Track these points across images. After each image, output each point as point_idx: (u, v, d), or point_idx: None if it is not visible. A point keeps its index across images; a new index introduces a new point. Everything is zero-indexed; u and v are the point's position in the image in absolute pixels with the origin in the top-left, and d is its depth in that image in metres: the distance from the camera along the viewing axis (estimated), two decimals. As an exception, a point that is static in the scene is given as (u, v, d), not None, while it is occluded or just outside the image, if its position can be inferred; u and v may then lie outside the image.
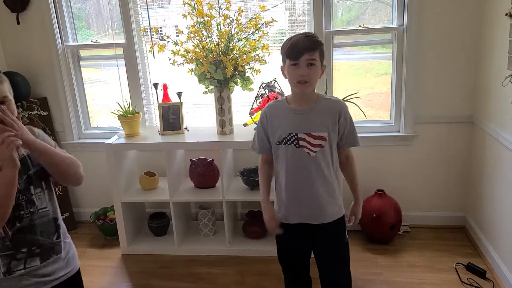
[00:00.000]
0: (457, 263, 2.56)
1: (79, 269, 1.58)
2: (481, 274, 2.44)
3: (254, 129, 2.62)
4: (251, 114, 2.71)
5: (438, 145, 2.90)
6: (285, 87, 2.74)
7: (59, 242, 1.47)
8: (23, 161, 1.35)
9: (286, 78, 1.67)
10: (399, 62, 2.81)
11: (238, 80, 2.63)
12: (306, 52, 1.57)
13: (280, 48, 1.68)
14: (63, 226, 1.52)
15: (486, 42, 2.57)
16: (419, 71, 2.77)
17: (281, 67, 1.69)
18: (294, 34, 1.65)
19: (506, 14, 2.20)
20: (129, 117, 2.79)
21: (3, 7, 2.97)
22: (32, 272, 1.40)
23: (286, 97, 1.75)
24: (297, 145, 1.66)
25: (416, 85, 2.79)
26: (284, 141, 1.68)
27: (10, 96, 1.37)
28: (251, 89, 2.66)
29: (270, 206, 1.79)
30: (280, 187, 1.77)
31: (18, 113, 1.37)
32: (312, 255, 1.85)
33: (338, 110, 1.67)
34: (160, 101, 2.83)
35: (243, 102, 2.95)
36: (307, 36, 1.61)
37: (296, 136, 1.66)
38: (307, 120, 1.66)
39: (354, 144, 1.75)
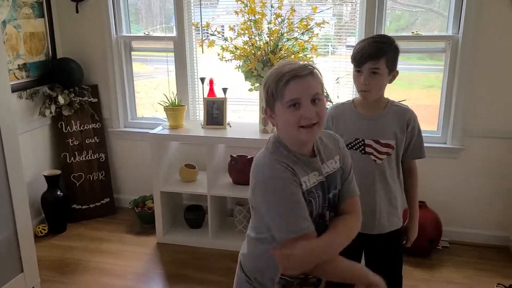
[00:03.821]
0: (498, 283, 2.45)
1: None
2: (524, 298, 2.33)
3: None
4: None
5: (486, 160, 2.78)
6: (331, 90, 2.72)
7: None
8: (322, 183, 1.21)
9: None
10: (451, 71, 2.72)
11: (284, 80, 2.62)
12: (369, 60, 1.50)
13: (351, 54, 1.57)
14: None
15: (547, 56, 2.45)
16: (473, 82, 2.67)
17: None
18: (366, 37, 1.55)
19: None
20: (174, 109, 2.85)
21: (65, -4, 3.11)
22: None
23: (353, 99, 1.66)
24: (363, 151, 1.60)
25: (468, 97, 2.70)
26: (349, 146, 1.60)
27: (321, 93, 1.14)
28: (297, 89, 2.65)
29: None
30: None
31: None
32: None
33: (407, 118, 1.59)
34: (205, 96, 2.88)
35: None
36: (375, 42, 1.52)
37: (362, 142, 1.60)
38: (375, 126, 1.59)
39: (420, 156, 1.65)
